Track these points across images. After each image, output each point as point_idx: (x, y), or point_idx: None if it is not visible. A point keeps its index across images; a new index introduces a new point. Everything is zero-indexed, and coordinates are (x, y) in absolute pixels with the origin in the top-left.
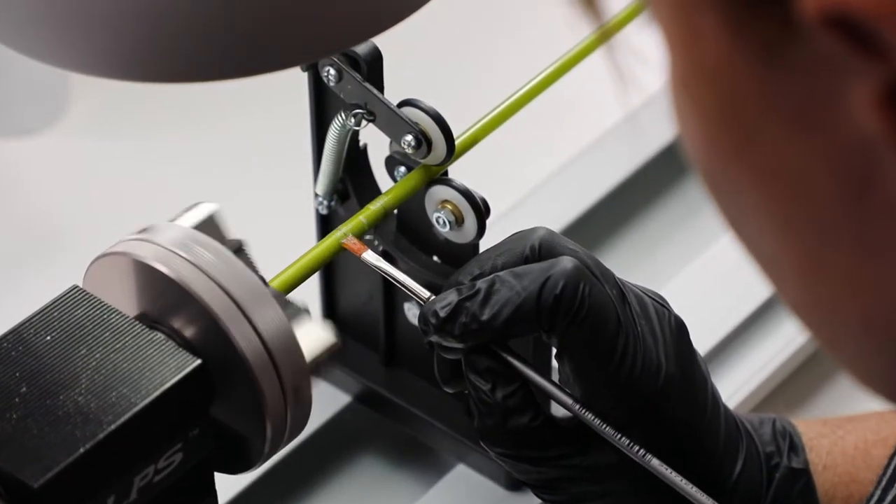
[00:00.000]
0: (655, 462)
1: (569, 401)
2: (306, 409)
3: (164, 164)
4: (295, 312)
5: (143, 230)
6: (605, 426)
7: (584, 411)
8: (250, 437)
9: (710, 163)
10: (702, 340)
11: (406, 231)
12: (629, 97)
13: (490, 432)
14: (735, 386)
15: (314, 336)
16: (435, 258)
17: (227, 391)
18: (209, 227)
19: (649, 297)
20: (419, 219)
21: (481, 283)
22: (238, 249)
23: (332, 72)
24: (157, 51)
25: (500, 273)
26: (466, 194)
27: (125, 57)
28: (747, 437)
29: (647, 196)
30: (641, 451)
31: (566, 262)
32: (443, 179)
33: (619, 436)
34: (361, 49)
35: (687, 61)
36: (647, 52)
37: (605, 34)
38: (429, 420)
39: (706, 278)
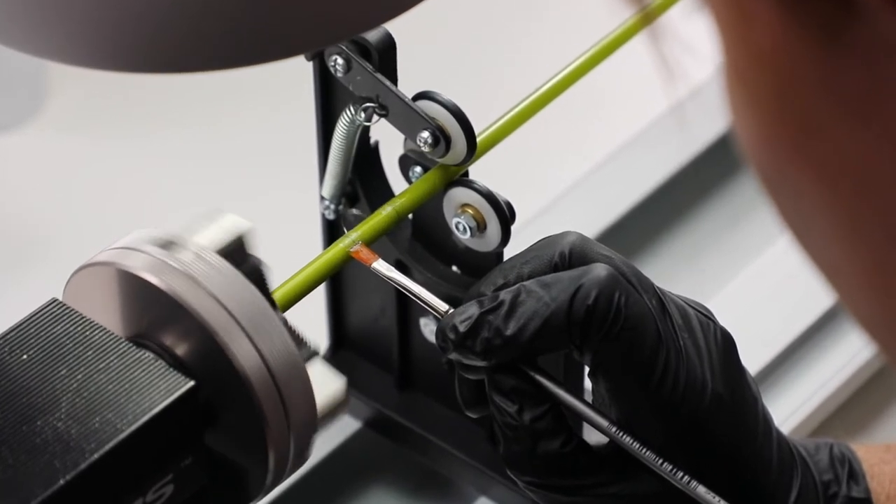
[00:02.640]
0: (701, 490)
1: (604, 423)
2: (312, 436)
3: (153, 164)
4: (304, 354)
5: (131, 237)
6: (644, 450)
7: (621, 434)
8: (250, 467)
9: (767, 159)
10: (752, 359)
11: (422, 238)
12: (675, 88)
13: (517, 459)
14: (789, 409)
15: (322, 386)
16: (454, 268)
17: (224, 416)
18: (235, 250)
19: (692, 308)
20: (437, 225)
21: (505, 294)
22: (253, 270)
23: (340, 61)
24: (144, 37)
25: (527, 283)
26: (489, 197)
27: (109, 44)
28: (802, 465)
29: (692, 197)
30: (686, 477)
31: (599, 270)
32: (463, 181)
33: (660, 461)
34: (372, 36)
35: (739, 46)
36: (694, 39)
37: (647, 17)
38: (447, 448)
39: (757, 289)
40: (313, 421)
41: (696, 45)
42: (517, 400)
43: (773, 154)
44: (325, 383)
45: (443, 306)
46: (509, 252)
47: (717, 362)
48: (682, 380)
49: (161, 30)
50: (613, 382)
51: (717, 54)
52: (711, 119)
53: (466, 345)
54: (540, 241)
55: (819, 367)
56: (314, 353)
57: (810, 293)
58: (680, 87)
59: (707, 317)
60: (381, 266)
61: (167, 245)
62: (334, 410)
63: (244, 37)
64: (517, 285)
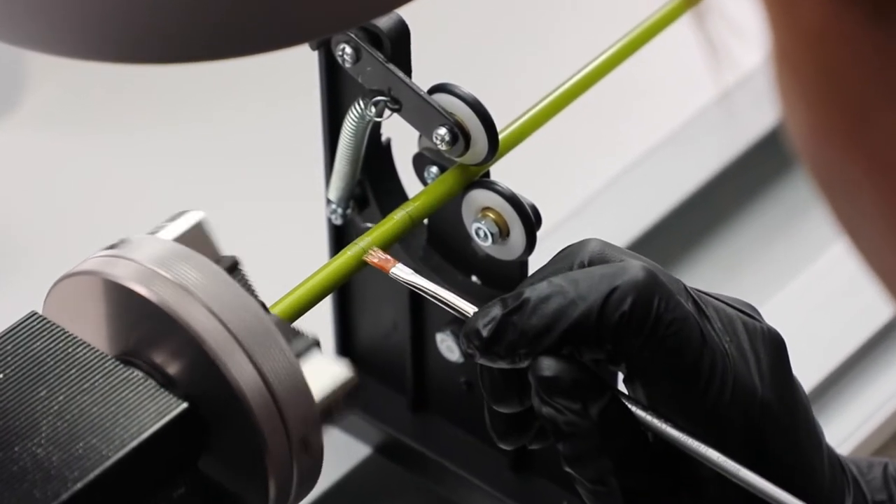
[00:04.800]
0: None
1: (676, 432)
2: (317, 462)
3: (142, 163)
4: (303, 345)
5: (117, 244)
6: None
7: (685, 437)
8: (249, 496)
9: (819, 151)
10: (802, 378)
11: (438, 245)
12: (722, 73)
13: (584, 456)
14: (844, 433)
15: (325, 373)
16: (473, 278)
17: (221, 440)
18: (196, 239)
19: (733, 307)
20: (455, 230)
21: (529, 292)
22: (232, 268)
23: (349, 50)
24: (132, 24)
25: (553, 278)
26: (512, 200)
27: (94, 31)
28: (853, 482)
29: (735, 200)
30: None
31: (635, 271)
32: (484, 182)
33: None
34: (384, 23)
35: (788, 30)
36: (741, 22)
37: None
38: (465, 476)
39: (808, 300)
40: (319, 445)
41: (743, 28)
42: (580, 395)
43: (824, 145)
44: (328, 371)
45: (471, 309)
46: (535, 260)
47: (766, 366)
48: (730, 385)
49: (151, 15)
50: (654, 389)
51: (765, 39)
52: (756, 114)
53: (493, 350)
54: (558, 253)
55: (874, 389)
56: (313, 343)
57: (868, 305)
58: (727, 72)
59: (751, 316)
60: (401, 271)
61: (117, 245)
62: (344, 396)
63: (243, 23)
64: (544, 281)
